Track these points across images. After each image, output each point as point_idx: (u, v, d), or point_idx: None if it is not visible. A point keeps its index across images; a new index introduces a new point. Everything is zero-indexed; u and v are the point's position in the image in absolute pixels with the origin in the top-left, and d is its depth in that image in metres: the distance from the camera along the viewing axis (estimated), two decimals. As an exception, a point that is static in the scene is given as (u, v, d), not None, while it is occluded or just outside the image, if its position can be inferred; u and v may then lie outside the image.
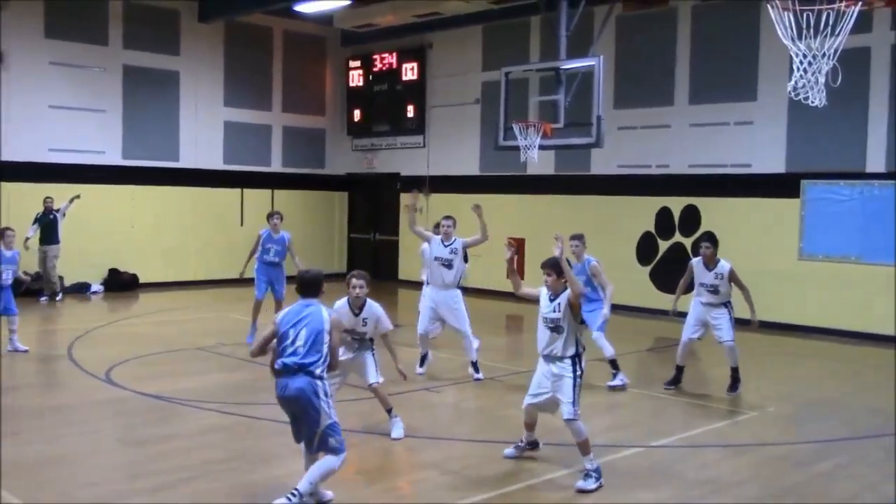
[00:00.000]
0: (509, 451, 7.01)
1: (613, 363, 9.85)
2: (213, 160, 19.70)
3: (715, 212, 15.29)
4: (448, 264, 10.11)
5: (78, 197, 16.38)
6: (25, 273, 13.29)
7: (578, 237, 9.88)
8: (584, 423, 6.45)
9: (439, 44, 19.72)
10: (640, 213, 16.20)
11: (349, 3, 17.35)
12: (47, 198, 16.18)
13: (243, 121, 20.18)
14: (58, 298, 16.34)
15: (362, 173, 21.59)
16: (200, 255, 19.06)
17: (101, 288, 17.85)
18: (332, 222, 22.04)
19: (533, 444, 7.07)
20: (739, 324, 9.62)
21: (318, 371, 5.69)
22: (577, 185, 17.13)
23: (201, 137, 19.47)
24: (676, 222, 15.86)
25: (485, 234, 9.98)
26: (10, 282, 11.00)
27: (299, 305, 5.88)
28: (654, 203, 16.11)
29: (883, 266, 13.37)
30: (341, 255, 22.20)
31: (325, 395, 5.73)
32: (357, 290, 7.32)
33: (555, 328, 6.51)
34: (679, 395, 9.58)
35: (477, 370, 10.20)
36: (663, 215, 16.03)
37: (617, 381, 9.78)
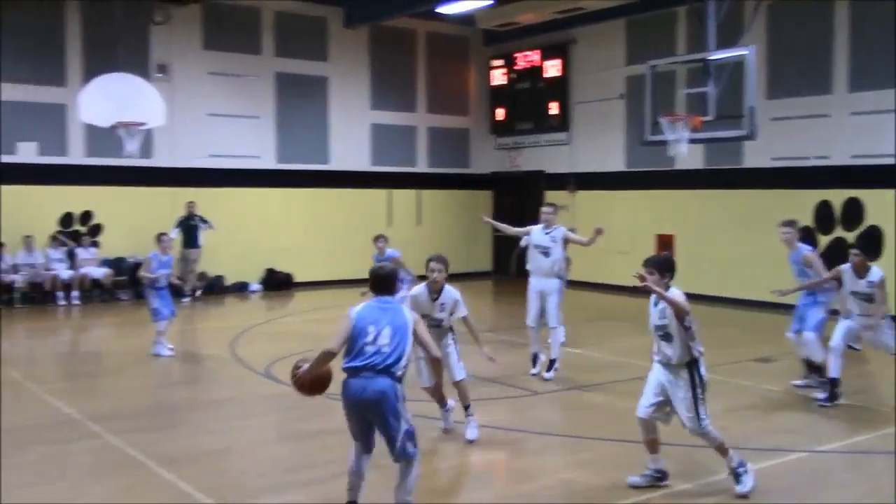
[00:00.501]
0: (634, 478, 6.29)
1: (820, 370, 8.95)
2: (361, 162, 20.23)
3: (880, 205, 14.43)
4: (545, 252, 10.03)
5: (213, 228, 17.10)
6: (179, 277, 13.79)
7: (789, 223, 9.20)
8: (713, 427, 6.13)
9: (582, 39, 19.50)
10: (797, 207, 15.39)
11: (491, 2, 17.42)
12: (190, 202, 17.04)
13: (389, 122, 20.62)
14: (196, 295, 17.05)
15: (506, 172, 21.64)
16: (351, 255, 19.48)
17: (260, 287, 18.66)
18: (478, 221, 22.13)
19: (661, 474, 6.29)
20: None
21: (399, 373, 5.29)
22: (728, 180, 16.57)
23: (350, 140, 20.02)
24: (837, 216, 15.09)
25: (590, 243, 9.94)
26: (165, 284, 11.59)
27: (377, 302, 5.50)
28: (812, 196, 15.34)
29: None
30: (486, 253, 22.32)
31: (403, 398, 5.34)
32: (435, 275, 7.33)
33: (664, 335, 6.09)
34: (841, 398, 9.08)
35: (548, 369, 9.87)
36: (823, 209, 15.27)
37: (821, 395, 8.72)
